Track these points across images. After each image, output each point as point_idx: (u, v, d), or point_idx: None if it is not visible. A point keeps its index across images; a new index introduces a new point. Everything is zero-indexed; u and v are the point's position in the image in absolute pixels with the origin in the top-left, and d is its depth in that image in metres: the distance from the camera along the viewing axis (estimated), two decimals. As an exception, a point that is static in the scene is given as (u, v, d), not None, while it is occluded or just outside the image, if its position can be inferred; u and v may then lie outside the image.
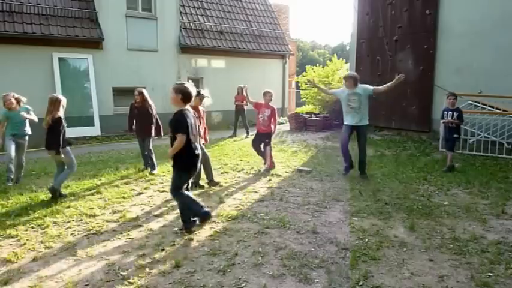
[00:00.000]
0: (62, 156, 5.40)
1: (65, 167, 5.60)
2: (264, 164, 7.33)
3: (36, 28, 10.70)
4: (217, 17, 14.98)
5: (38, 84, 10.68)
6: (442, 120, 7.34)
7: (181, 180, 4.25)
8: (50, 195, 5.42)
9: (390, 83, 6.35)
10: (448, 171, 6.92)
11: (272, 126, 7.16)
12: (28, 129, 6.61)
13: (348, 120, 6.56)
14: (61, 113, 5.42)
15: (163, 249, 3.81)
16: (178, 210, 4.99)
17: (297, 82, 21.47)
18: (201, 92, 5.94)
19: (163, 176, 6.82)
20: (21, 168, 6.51)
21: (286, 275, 3.28)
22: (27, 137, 6.62)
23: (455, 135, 7.14)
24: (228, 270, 3.36)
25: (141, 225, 4.48)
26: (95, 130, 11.83)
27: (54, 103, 5.37)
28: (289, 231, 4.24)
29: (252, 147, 7.45)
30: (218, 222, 4.54)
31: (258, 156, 7.83)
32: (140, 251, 3.77)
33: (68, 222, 4.60)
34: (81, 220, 4.66)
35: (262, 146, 7.27)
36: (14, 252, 3.75)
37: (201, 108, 6.04)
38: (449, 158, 7.12)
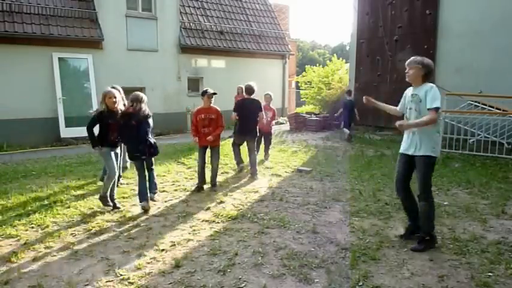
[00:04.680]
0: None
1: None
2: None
3: (36, 28, 10.68)
4: (217, 17, 14.97)
5: (38, 84, 10.69)
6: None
7: None
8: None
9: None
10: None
11: (271, 126, 8.07)
12: None
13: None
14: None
15: (163, 249, 3.81)
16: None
17: (297, 82, 21.46)
18: (208, 91, 5.93)
19: (163, 176, 6.82)
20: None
21: (286, 275, 3.28)
22: None
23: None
24: (228, 270, 3.36)
25: (141, 225, 4.48)
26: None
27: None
28: (289, 231, 4.24)
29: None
30: (218, 222, 4.54)
31: (258, 157, 8.09)
32: (140, 251, 3.77)
33: (68, 222, 4.60)
34: (81, 220, 4.66)
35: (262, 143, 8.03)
36: (14, 252, 3.75)
37: (215, 107, 5.98)
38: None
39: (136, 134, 4.88)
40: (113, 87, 5.35)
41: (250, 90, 6.87)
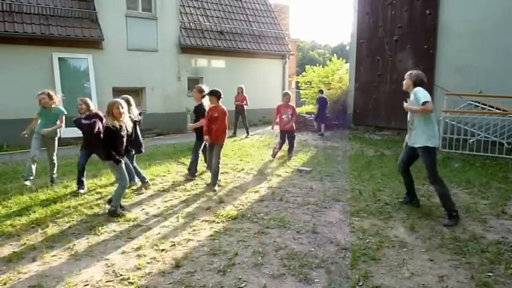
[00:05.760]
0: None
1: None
2: (289, 156, 8.46)
3: (36, 28, 10.69)
4: (217, 17, 14.97)
5: (38, 85, 10.60)
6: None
7: None
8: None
9: None
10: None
11: (293, 124, 8.37)
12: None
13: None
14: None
15: (163, 249, 3.81)
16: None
17: (297, 82, 21.46)
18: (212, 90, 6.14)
19: (163, 176, 6.82)
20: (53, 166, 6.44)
21: (286, 275, 3.28)
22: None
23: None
24: (228, 270, 3.36)
25: (141, 225, 4.48)
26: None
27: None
28: (289, 231, 4.24)
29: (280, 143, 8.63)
30: (218, 222, 4.54)
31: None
32: (140, 251, 3.77)
33: (68, 222, 4.60)
34: (81, 220, 4.66)
35: (287, 141, 8.47)
36: (14, 252, 3.75)
37: (221, 107, 6.03)
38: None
39: (139, 133, 5.88)
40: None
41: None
